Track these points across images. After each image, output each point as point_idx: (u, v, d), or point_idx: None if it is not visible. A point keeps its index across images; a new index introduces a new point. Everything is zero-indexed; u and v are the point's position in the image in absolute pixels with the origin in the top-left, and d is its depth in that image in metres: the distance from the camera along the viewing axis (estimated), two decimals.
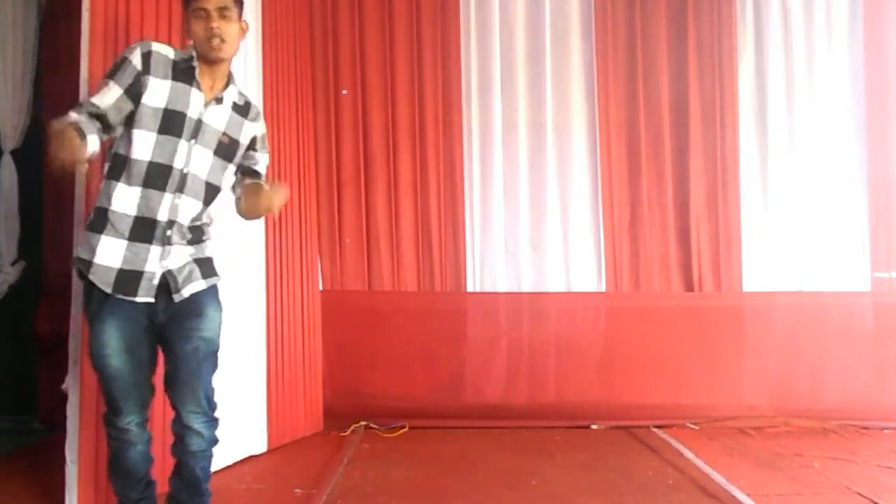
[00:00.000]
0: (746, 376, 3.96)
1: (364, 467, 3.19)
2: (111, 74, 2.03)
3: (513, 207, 4.13)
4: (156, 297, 2.05)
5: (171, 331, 2.09)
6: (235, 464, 3.15)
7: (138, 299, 2.02)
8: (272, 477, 3.11)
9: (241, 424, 3.14)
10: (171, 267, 2.07)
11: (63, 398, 2.48)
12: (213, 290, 2.18)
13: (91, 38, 2.47)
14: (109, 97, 2.00)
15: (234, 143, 2.17)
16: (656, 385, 3.94)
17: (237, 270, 3.09)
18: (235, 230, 3.10)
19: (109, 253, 2.01)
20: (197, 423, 2.10)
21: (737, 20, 4.15)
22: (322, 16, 4.07)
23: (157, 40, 2.61)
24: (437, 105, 4.11)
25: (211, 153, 2.12)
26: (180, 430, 2.12)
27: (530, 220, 4.13)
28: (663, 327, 4.00)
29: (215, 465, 2.96)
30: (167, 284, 2.07)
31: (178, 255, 2.09)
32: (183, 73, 2.06)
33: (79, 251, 2.07)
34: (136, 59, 2.02)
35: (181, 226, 2.08)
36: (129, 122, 2.02)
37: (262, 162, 2.30)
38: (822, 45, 4.17)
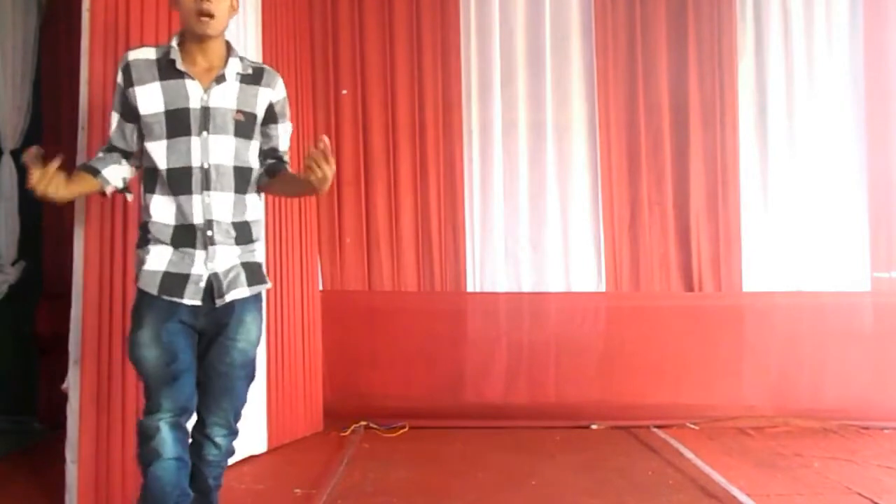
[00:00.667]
0: (746, 376, 3.96)
1: (364, 467, 3.19)
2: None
3: (513, 207, 4.13)
4: (202, 301, 1.98)
5: (208, 339, 2.02)
6: (235, 464, 3.14)
7: (186, 301, 1.95)
8: (272, 477, 3.11)
9: (241, 424, 3.14)
10: (217, 270, 1.98)
11: (63, 398, 2.47)
12: (256, 298, 2.09)
13: (91, 38, 2.47)
14: (113, 124, 2.04)
15: (250, 118, 2.04)
16: (656, 385, 3.94)
17: None
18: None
19: (156, 259, 1.97)
20: (218, 436, 2.07)
21: (737, 20, 4.15)
22: (322, 16, 4.07)
23: (157, 40, 2.62)
24: (437, 105, 4.10)
25: (231, 137, 1.99)
26: (200, 437, 2.07)
27: (530, 220, 4.12)
28: (663, 327, 4.00)
29: None
30: (212, 288, 1.98)
31: (225, 257, 2.00)
32: (168, 67, 1.97)
33: (136, 270, 2.03)
34: (119, 78, 2.00)
35: (220, 223, 1.98)
36: (143, 136, 1.99)
37: (283, 137, 2.17)
38: (823, 45, 4.16)
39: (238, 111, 2.01)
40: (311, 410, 3.78)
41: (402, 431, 3.77)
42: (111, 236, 2.50)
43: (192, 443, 2.08)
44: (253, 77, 2.06)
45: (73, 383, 2.44)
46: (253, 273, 2.06)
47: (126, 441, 2.46)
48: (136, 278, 2.01)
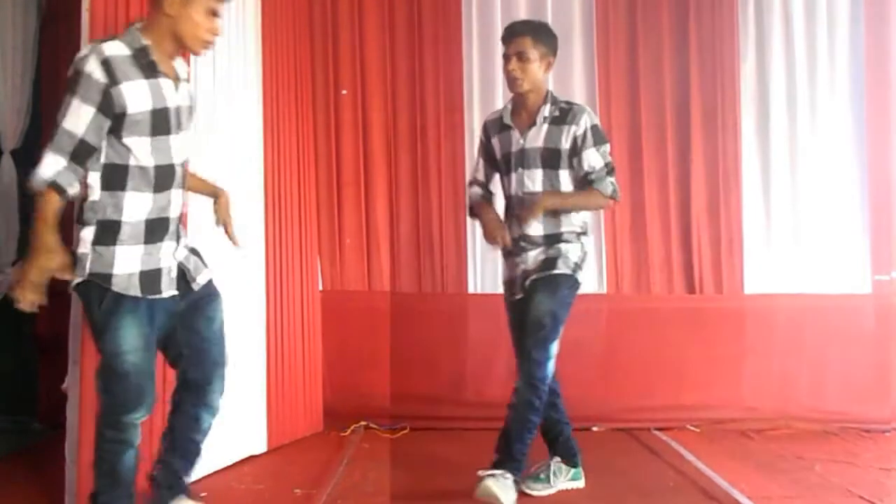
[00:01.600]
0: (747, 378, 3.95)
1: (364, 467, 3.19)
2: (73, 91, 1.90)
3: None
4: (178, 289, 2.09)
5: (192, 317, 2.14)
6: (235, 464, 3.15)
7: (165, 295, 2.04)
8: (272, 477, 3.10)
9: (241, 424, 3.14)
10: (180, 258, 2.12)
11: (63, 398, 2.48)
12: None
13: (91, 38, 2.46)
14: (84, 119, 1.89)
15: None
16: (657, 387, 3.93)
17: (237, 270, 3.08)
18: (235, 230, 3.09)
19: (127, 260, 1.98)
20: (216, 401, 2.17)
21: (738, 22, 4.13)
22: (322, 16, 4.06)
23: None
24: (439, 104, 4.09)
25: (189, 134, 2.14)
26: (197, 409, 2.14)
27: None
28: (664, 329, 3.98)
29: (215, 466, 2.97)
30: (183, 275, 2.11)
31: (182, 248, 2.14)
32: (147, 67, 1.98)
33: (91, 266, 1.96)
34: (98, 74, 1.89)
35: (179, 217, 2.13)
36: (117, 132, 1.94)
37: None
38: (824, 47, 4.15)
39: (189, 108, 2.15)
40: (311, 410, 3.77)
41: (402, 432, 3.77)
42: None
43: (185, 418, 2.15)
44: (186, 79, 2.19)
45: (73, 383, 2.44)
46: (202, 256, 2.21)
47: None
48: (106, 280, 1.95)
